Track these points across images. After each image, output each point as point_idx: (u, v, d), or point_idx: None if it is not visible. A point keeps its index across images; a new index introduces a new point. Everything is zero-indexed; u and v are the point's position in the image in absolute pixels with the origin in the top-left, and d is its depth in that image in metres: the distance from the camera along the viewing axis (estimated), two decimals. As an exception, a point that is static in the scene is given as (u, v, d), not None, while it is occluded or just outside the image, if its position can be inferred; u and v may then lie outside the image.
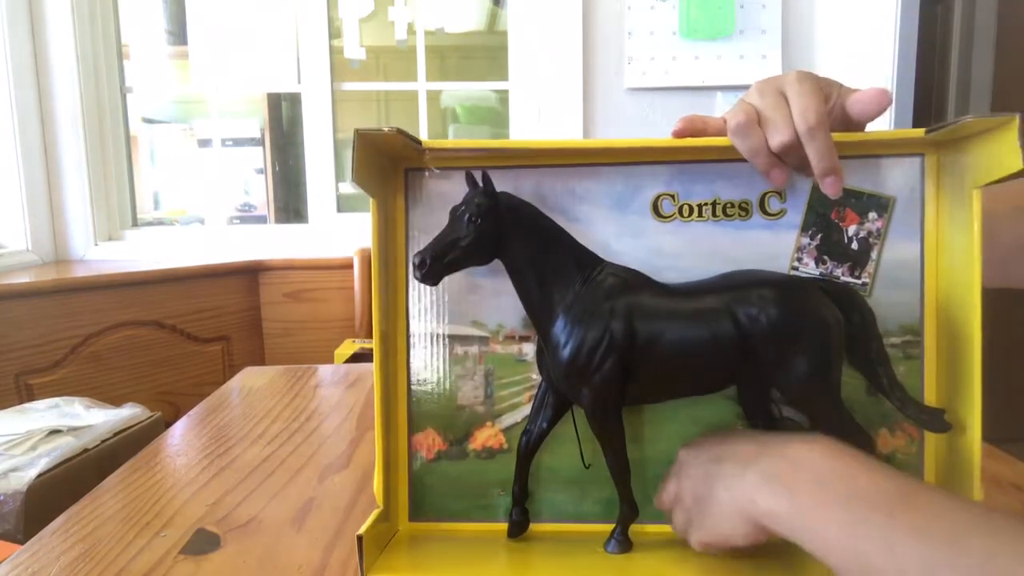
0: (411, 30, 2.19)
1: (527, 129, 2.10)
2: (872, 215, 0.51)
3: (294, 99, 2.24)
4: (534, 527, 0.52)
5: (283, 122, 2.66)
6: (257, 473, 0.67)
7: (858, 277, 0.51)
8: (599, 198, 0.51)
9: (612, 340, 0.46)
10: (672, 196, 0.51)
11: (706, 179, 0.51)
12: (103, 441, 1.09)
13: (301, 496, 0.62)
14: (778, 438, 0.43)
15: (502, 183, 0.50)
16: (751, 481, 0.40)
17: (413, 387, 0.53)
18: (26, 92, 1.89)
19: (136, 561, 0.51)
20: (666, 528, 0.50)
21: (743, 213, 0.51)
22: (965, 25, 2.33)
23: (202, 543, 0.53)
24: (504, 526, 0.51)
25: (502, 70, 2.13)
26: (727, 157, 0.49)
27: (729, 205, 0.51)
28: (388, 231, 0.52)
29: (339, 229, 2.13)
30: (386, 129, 0.45)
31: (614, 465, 0.49)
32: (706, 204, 0.51)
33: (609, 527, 0.50)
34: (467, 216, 0.48)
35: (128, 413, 1.20)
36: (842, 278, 0.51)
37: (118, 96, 2.09)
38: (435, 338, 0.53)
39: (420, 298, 0.53)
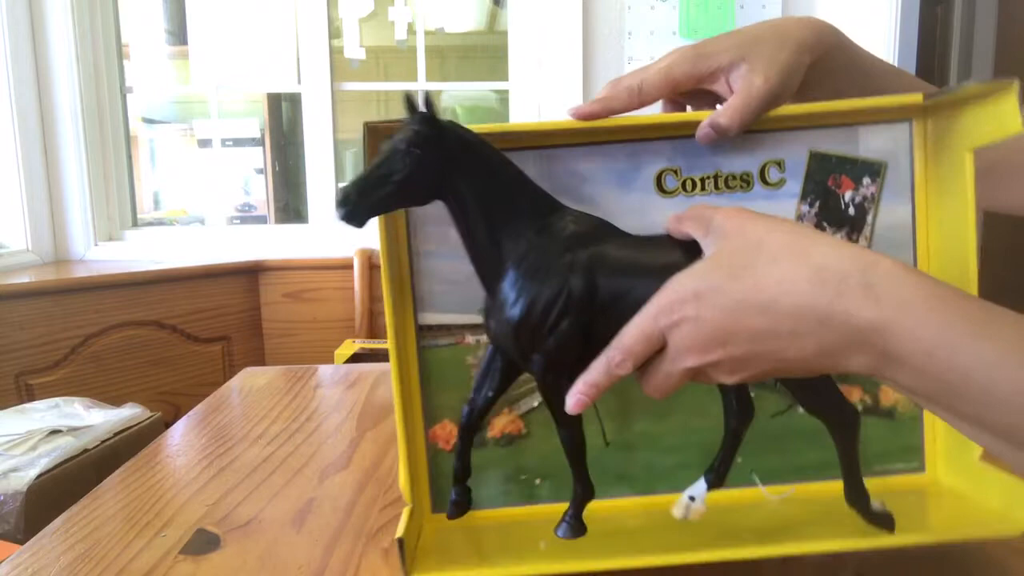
0: (411, 30, 2.19)
1: (527, 129, 2.10)
2: (866, 180, 0.52)
3: (294, 99, 2.24)
4: (549, 507, 0.51)
5: (283, 122, 2.66)
6: (257, 473, 0.67)
7: (855, 240, 0.52)
8: (603, 177, 0.51)
9: (570, 297, 0.40)
10: (675, 171, 0.51)
11: (707, 153, 0.51)
12: (103, 441, 1.09)
13: (301, 496, 0.62)
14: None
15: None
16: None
17: (425, 379, 0.53)
18: (26, 92, 1.89)
19: (136, 561, 0.51)
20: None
21: (744, 185, 0.51)
22: (965, 25, 2.33)
23: (202, 543, 0.53)
24: (531, 509, 0.50)
25: (502, 70, 2.13)
26: None
27: (731, 177, 0.51)
28: (392, 220, 0.50)
29: (339, 229, 2.13)
30: (395, 121, 0.44)
31: (568, 440, 0.44)
32: (708, 177, 0.51)
33: (632, 501, 0.50)
34: (404, 144, 0.40)
35: (128, 413, 1.20)
36: None
37: (118, 96, 2.09)
38: (445, 328, 0.52)
39: (428, 287, 0.51)
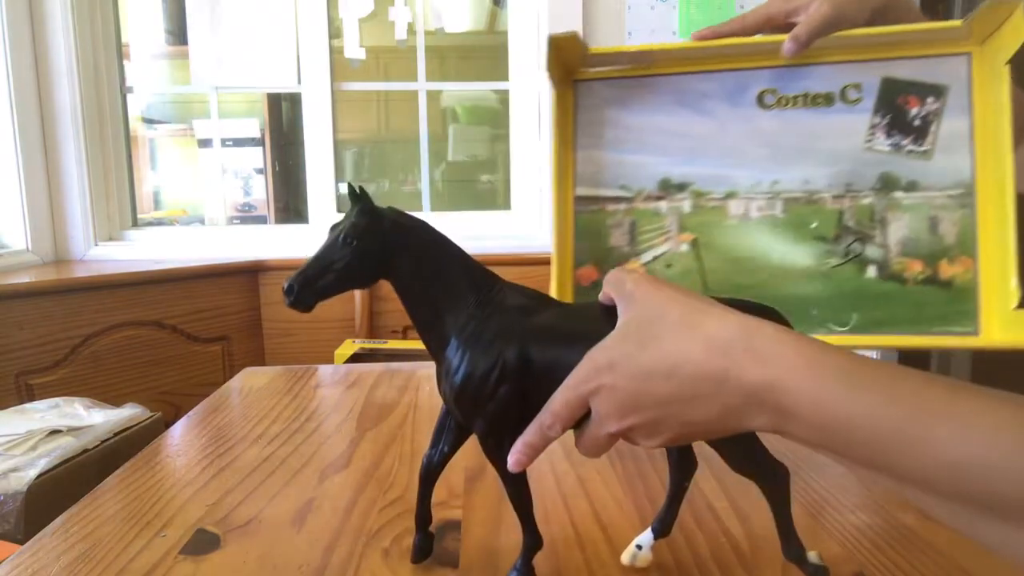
0: (411, 30, 2.19)
1: (528, 129, 2.10)
2: (930, 99, 0.64)
3: (294, 99, 2.24)
4: None
5: (283, 122, 2.66)
6: (257, 473, 0.67)
7: (920, 145, 0.65)
8: (718, 95, 0.68)
9: (505, 367, 0.42)
10: (773, 91, 0.67)
11: (799, 78, 0.66)
12: (103, 441, 1.09)
13: (301, 496, 0.62)
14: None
15: (649, 90, 0.68)
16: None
17: (576, 234, 0.71)
18: (26, 92, 1.89)
19: (136, 561, 0.51)
20: None
21: (827, 102, 0.65)
22: (965, 25, 2.33)
23: (202, 543, 0.53)
24: None
25: (502, 70, 2.13)
26: (815, 61, 0.65)
27: (816, 96, 0.66)
28: (562, 121, 0.70)
29: (339, 229, 2.13)
30: (566, 33, 0.64)
31: (515, 495, 0.46)
32: (799, 96, 0.66)
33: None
34: (342, 236, 0.43)
35: (128, 413, 1.20)
36: (908, 147, 0.65)
37: (118, 96, 2.09)
38: (592, 198, 0.71)
39: (583, 168, 0.70)
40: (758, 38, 0.66)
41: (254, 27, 2.10)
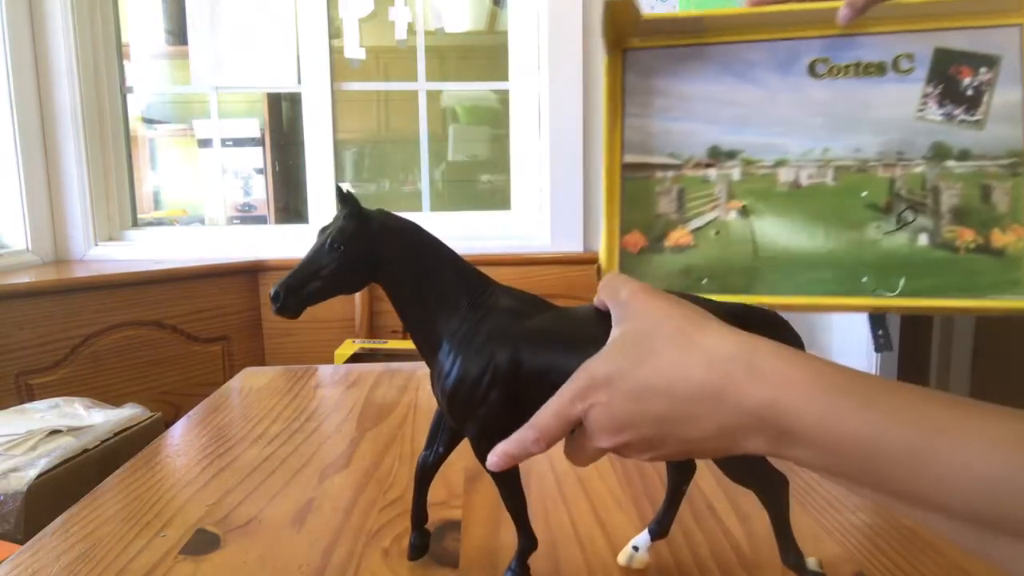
0: (411, 30, 2.19)
1: (527, 129, 2.10)
2: (983, 69, 0.64)
3: (294, 99, 2.24)
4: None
5: (283, 122, 2.66)
6: (257, 473, 0.67)
7: (973, 115, 0.64)
8: (768, 64, 0.68)
9: (496, 371, 0.42)
10: (824, 60, 0.66)
11: (851, 47, 0.66)
12: (103, 441, 1.09)
13: (301, 496, 0.62)
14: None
15: (698, 59, 0.68)
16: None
17: (625, 200, 0.70)
18: (26, 92, 1.89)
19: (136, 561, 0.51)
20: None
21: (879, 72, 0.65)
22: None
23: (202, 543, 0.53)
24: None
25: (502, 70, 2.13)
26: (867, 31, 0.65)
27: (868, 65, 0.65)
28: (612, 89, 0.70)
29: (339, 229, 2.12)
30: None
31: (509, 498, 0.46)
32: (850, 66, 0.66)
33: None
34: (328, 241, 0.43)
35: (128, 413, 1.20)
36: (960, 116, 0.64)
37: (118, 96, 2.09)
38: (640, 166, 0.70)
39: (631, 136, 0.70)
40: (813, 4, 0.67)
41: (254, 27, 2.10)
